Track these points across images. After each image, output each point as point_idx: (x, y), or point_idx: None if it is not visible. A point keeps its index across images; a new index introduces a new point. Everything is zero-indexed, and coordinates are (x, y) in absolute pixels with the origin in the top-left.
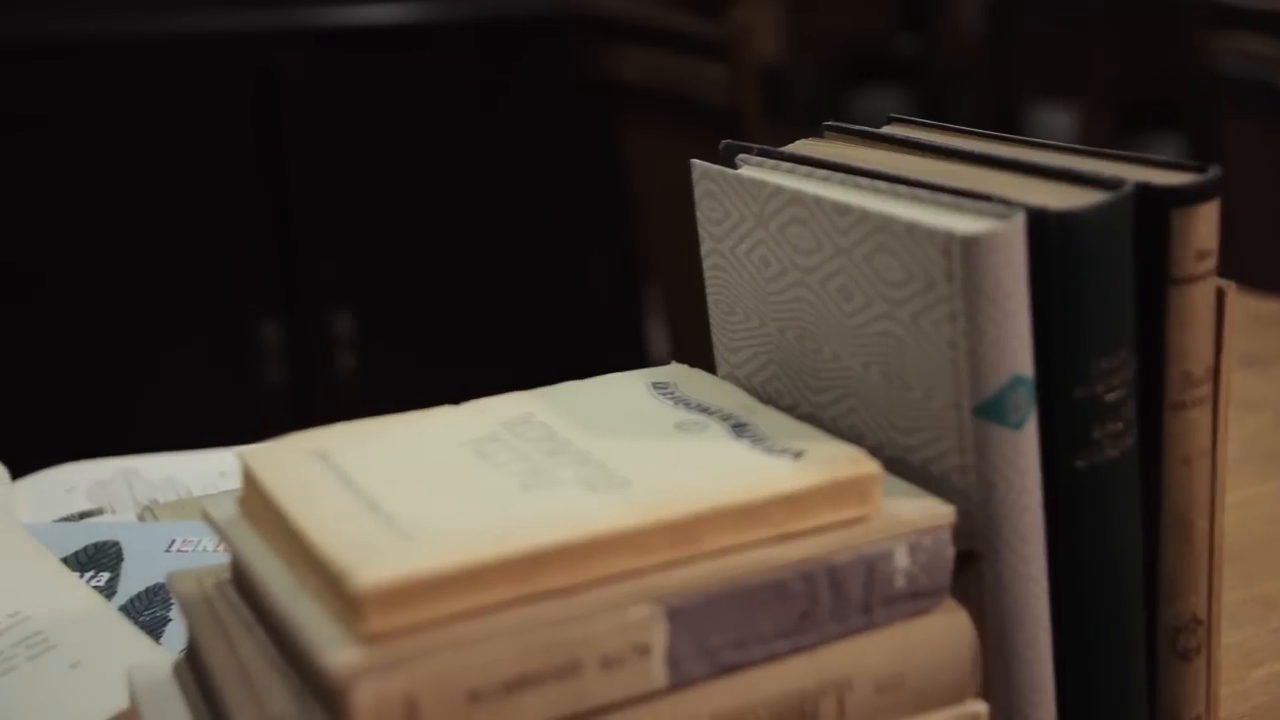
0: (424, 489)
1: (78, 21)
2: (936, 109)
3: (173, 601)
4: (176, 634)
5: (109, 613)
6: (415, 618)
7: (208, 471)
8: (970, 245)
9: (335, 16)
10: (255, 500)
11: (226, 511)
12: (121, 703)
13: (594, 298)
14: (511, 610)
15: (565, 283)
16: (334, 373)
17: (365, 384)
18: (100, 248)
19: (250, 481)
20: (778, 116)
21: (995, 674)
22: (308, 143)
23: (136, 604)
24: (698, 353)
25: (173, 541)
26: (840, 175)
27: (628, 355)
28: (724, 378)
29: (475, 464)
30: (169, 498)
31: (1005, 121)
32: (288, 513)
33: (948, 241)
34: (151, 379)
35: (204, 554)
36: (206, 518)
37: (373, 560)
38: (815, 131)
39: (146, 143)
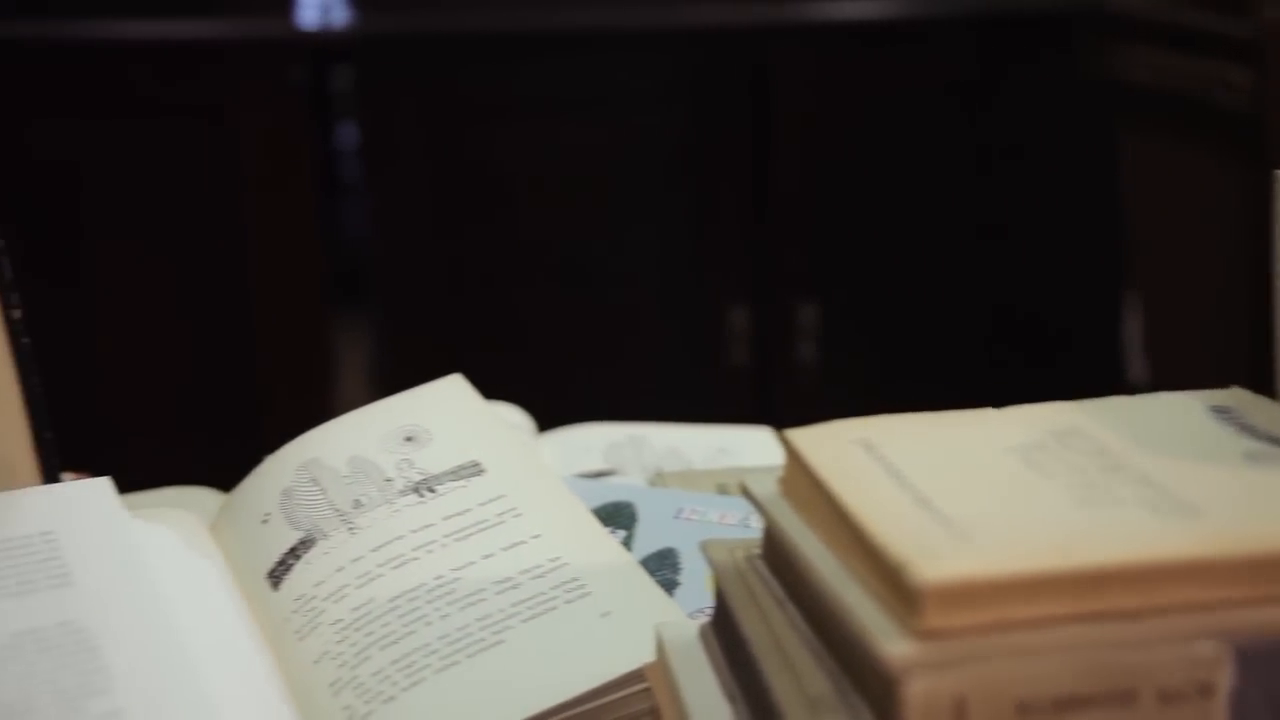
0: (974, 490)
1: (580, 14)
2: None
3: (681, 566)
4: (683, 598)
5: (636, 569)
6: (971, 619)
7: (708, 446)
8: None
9: (832, 11)
10: (799, 481)
11: (767, 488)
12: (647, 656)
13: (1069, 302)
14: (1069, 626)
15: (1041, 285)
16: (795, 361)
17: (824, 375)
18: (593, 232)
19: (795, 463)
20: None
21: None
22: (794, 135)
23: (648, 565)
24: (1176, 364)
25: (681, 509)
26: None
27: (1101, 362)
28: None
29: (1024, 472)
30: (672, 466)
31: None
32: (839, 498)
33: None
34: (632, 352)
35: (709, 524)
36: (747, 493)
37: (934, 556)
38: None
39: (646, 131)
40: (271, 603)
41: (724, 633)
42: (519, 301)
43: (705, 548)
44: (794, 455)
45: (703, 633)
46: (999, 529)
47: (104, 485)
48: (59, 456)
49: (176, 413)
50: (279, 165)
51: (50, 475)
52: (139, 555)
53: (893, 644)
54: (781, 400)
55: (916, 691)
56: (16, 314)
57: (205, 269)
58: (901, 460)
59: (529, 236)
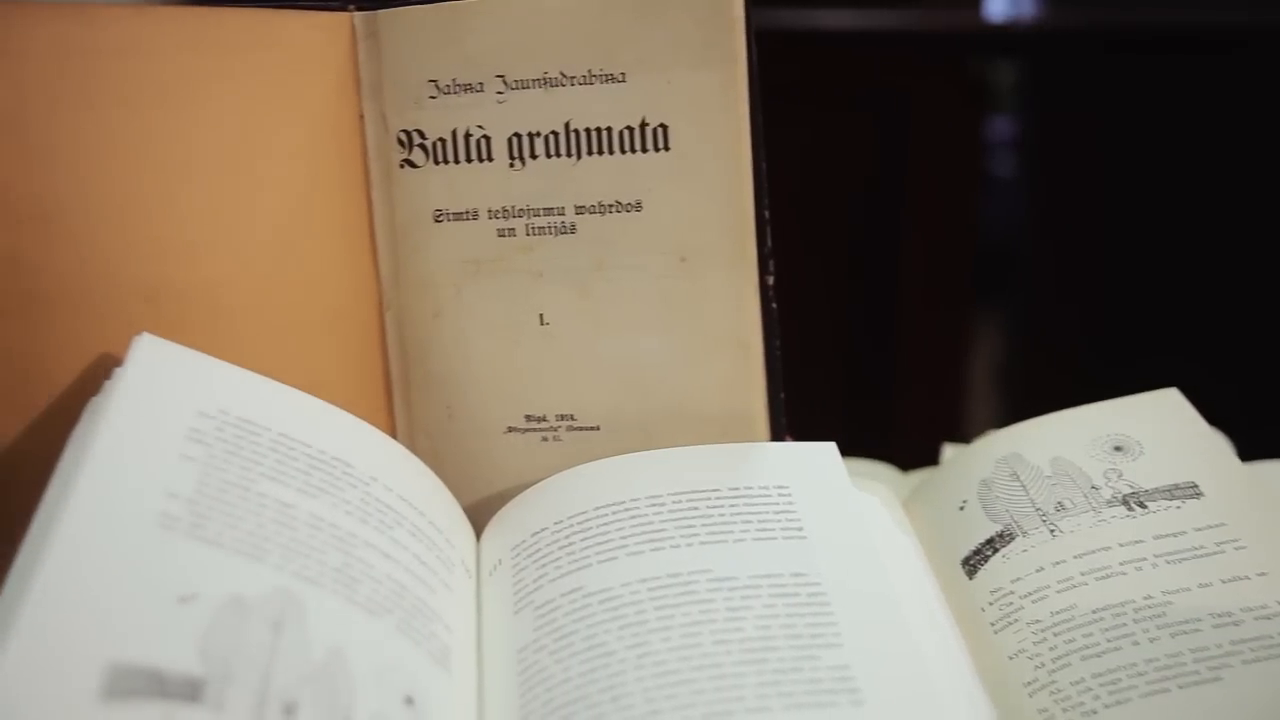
0: None
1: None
2: None
3: None
4: None
5: None
6: None
7: None
8: None
9: None
10: None
11: None
12: None
13: None
14: None
15: None
16: None
17: None
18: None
19: None
20: None
21: None
22: None
23: None
24: None
25: None
26: None
27: None
28: None
29: None
30: None
31: None
32: None
33: None
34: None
35: None
36: None
37: None
38: None
39: None
40: (966, 590)
41: None
42: (1178, 315)
43: None
44: None
45: None
46: None
47: (831, 449)
48: (786, 417)
49: (819, 379)
50: (946, 154)
51: (777, 434)
52: (863, 521)
53: None
54: None
55: None
56: (770, 279)
57: (863, 245)
58: None
59: (1193, 248)
